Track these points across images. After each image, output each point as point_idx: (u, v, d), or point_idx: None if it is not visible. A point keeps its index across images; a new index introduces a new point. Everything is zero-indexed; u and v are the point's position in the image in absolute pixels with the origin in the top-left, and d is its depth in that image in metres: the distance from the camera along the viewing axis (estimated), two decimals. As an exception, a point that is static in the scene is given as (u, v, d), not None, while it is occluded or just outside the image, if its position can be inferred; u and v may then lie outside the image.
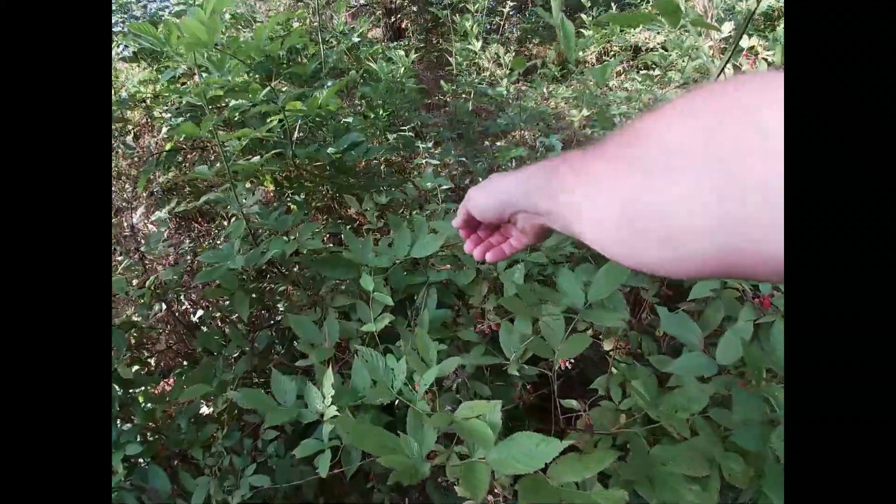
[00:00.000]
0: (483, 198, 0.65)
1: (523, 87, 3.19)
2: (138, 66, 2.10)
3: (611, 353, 1.46)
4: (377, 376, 0.89)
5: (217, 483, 1.34)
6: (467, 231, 0.74)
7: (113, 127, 1.80)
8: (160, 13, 2.62)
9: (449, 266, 1.33)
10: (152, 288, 1.31)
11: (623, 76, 3.89)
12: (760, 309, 1.17)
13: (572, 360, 1.26)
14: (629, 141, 0.42)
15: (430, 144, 2.27)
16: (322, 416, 0.99)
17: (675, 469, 0.99)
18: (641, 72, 3.88)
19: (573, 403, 1.12)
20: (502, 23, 3.74)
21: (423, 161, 1.86)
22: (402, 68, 2.20)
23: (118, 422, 1.37)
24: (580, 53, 3.76)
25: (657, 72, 3.44)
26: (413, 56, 2.39)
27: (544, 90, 3.35)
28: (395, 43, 3.87)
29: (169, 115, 1.73)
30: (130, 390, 1.39)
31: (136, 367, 1.64)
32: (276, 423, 1.03)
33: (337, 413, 0.96)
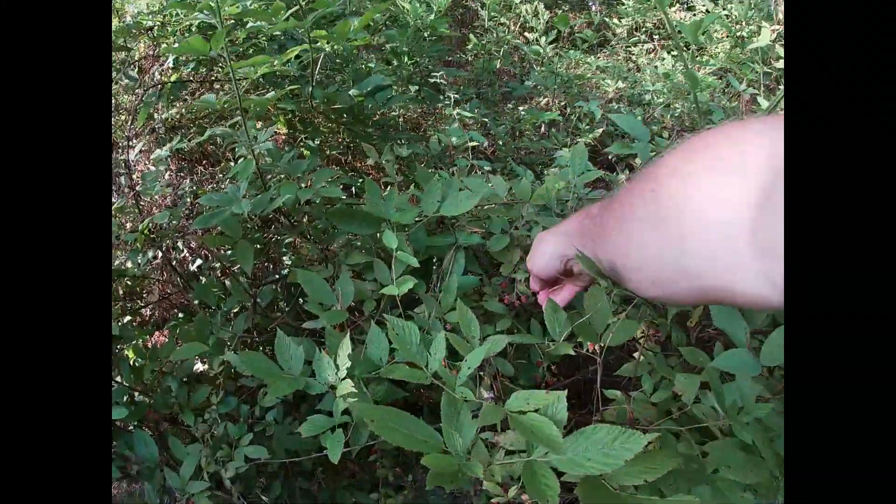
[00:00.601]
0: (539, 262, 0.78)
1: (553, 53, 2.99)
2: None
3: (640, 340, 1.32)
4: (408, 353, 0.74)
5: (209, 452, 1.21)
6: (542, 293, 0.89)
7: (114, 57, 1.62)
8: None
9: (481, 230, 1.17)
10: (146, 232, 1.16)
11: (654, 54, 3.68)
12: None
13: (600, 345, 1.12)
14: (630, 200, 0.54)
15: (456, 96, 2.10)
16: (333, 388, 0.85)
17: (730, 475, 0.86)
18: (672, 53, 3.67)
19: (617, 394, 0.97)
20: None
21: (453, 112, 1.69)
22: (434, 12, 2.00)
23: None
24: (618, 20, 3.54)
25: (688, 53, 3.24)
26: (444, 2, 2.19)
27: (575, 57, 3.15)
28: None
29: (177, 44, 1.56)
30: (118, 346, 1.25)
31: (128, 318, 1.51)
32: (280, 394, 0.89)
33: (353, 388, 0.82)
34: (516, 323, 1.22)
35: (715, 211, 0.41)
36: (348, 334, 0.92)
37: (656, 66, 3.19)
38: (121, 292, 1.34)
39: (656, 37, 3.74)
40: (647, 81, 2.98)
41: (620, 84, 2.84)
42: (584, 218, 0.68)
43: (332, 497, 1.63)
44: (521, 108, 2.71)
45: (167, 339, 1.33)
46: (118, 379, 1.22)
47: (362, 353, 1.04)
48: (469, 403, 0.67)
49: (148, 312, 1.66)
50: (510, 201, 1.24)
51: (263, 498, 1.34)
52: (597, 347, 1.14)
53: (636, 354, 1.20)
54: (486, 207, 1.27)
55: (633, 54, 3.55)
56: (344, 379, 0.85)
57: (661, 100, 2.80)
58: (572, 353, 0.76)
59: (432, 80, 2.30)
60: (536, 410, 0.61)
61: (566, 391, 0.63)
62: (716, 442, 0.88)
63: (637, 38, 3.61)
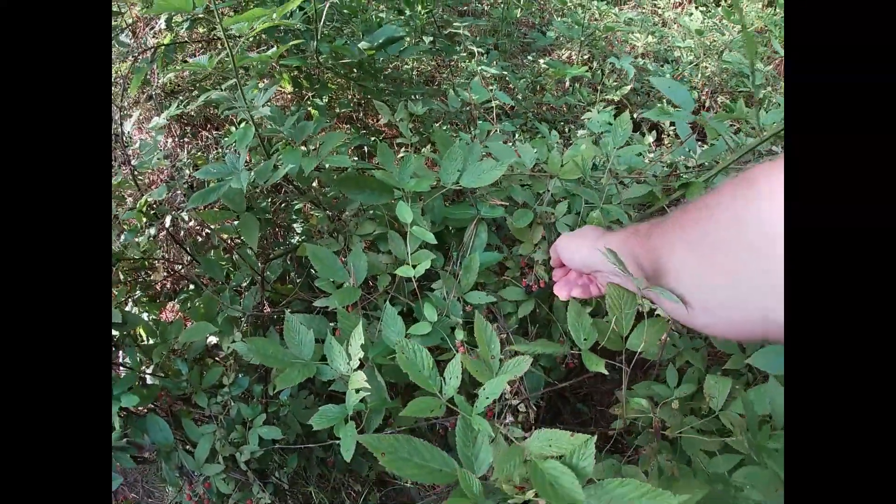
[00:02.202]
0: (571, 252, 0.75)
1: (576, 2, 2.80)
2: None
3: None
4: (421, 380, 0.66)
5: (223, 433, 1.16)
6: (558, 272, 0.84)
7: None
8: None
9: (504, 202, 1.07)
10: (143, 209, 1.08)
11: (681, 8, 3.45)
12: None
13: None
14: (681, 227, 0.55)
15: (477, 49, 1.96)
16: (351, 388, 0.78)
17: (752, 494, 0.78)
18: (700, 7, 3.44)
19: (643, 404, 0.89)
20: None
21: (476, 67, 1.56)
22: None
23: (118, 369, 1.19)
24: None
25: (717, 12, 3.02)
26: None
27: (599, 8, 2.96)
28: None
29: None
30: (124, 332, 1.19)
31: (138, 293, 1.45)
32: (290, 383, 0.82)
33: (366, 383, 0.74)
34: (537, 303, 1.13)
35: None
36: (361, 318, 0.84)
37: (684, 21, 2.99)
38: (121, 277, 1.27)
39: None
40: (675, 37, 2.79)
41: (650, 39, 2.66)
42: (631, 235, 0.64)
43: (347, 465, 1.60)
44: (541, 61, 2.55)
45: (176, 318, 1.27)
46: (127, 363, 1.17)
47: (377, 333, 0.97)
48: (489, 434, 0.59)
49: (158, 286, 1.61)
50: (536, 173, 1.13)
51: (277, 477, 1.30)
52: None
53: (664, 336, 1.11)
54: (509, 177, 1.16)
55: (658, 7, 3.33)
56: (356, 369, 0.77)
57: (690, 57, 2.63)
58: (605, 372, 0.67)
59: (447, 31, 2.16)
60: (560, 458, 0.52)
61: (594, 438, 0.54)
62: (741, 468, 0.80)
63: None
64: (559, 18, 2.80)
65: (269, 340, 0.89)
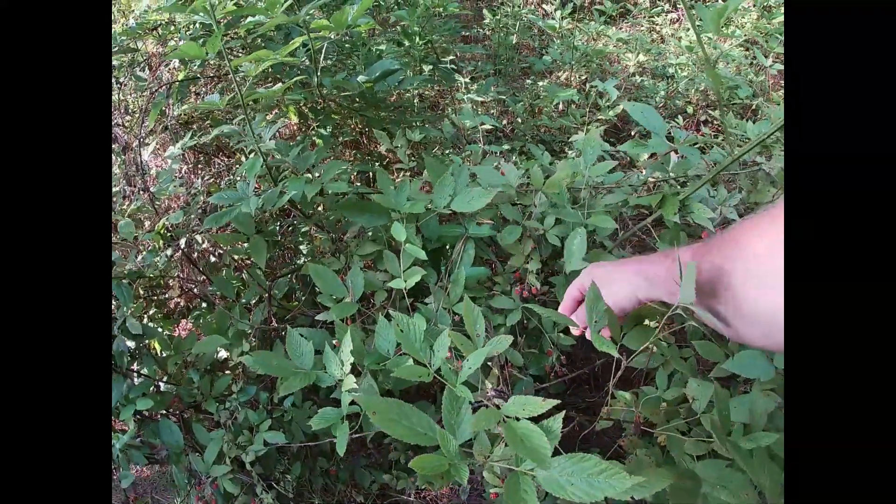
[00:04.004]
0: (615, 283, 0.74)
1: (571, 25, 2.91)
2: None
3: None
4: (412, 350, 0.76)
5: (231, 437, 1.26)
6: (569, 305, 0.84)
7: (122, 58, 1.65)
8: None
9: (490, 221, 1.17)
10: (162, 231, 1.19)
11: (678, 24, 3.56)
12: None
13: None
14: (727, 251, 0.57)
15: (467, 79, 2.07)
16: (343, 389, 0.87)
17: (719, 494, 0.86)
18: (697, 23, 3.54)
19: (626, 396, 0.97)
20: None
21: (464, 97, 1.67)
22: (441, -10, 1.97)
23: (129, 375, 1.29)
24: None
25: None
26: (455, -23, 2.15)
27: (595, 29, 3.07)
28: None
29: (183, 41, 1.57)
30: (141, 343, 1.30)
31: (153, 310, 1.56)
32: (291, 390, 0.92)
33: (355, 385, 0.84)
34: (527, 314, 1.22)
35: None
36: (349, 329, 0.93)
37: (680, 38, 3.10)
38: (141, 292, 1.38)
39: (680, 5, 3.61)
40: (670, 54, 2.90)
41: (642, 57, 2.76)
42: (673, 263, 0.65)
43: (351, 476, 1.69)
44: (540, 84, 2.66)
45: (189, 333, 1.37)
46: (143, 372, 1.27)
47: (372, 344, 1.06)
48: (470, 400, 0.68)
49: (172, 304, 1.71)
50: (523, 190, 1.24)
51: (282, 485, 1.39)
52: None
53: (650, 346, 1.20)
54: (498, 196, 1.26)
55: (656, 24, 3.44)
56: (349, 374, 0.87)
57: (685, 73, 2.72)
58: (615, 354, 0.76)
59: (450, 58, 2.28)
60: (533, 419, 0.61)
61: (563, 412, 0.63)
62: (709, 461, 0.87)
63: (660, 7, 3.50)
64: (557, 41, 2.91)
65: (273, 353, 0.99)
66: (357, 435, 1.00)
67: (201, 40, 1.33)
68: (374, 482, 1.71)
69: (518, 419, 0.63)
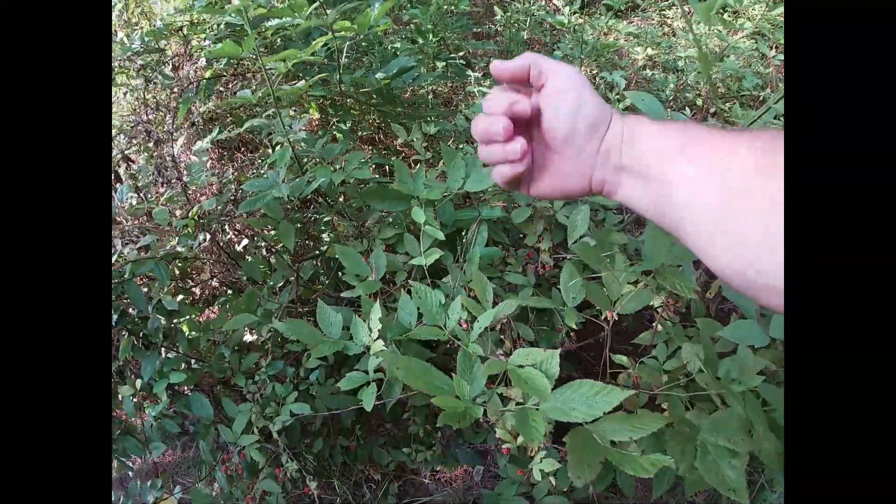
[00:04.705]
0: (574, 85, 0.52)
1: (581, 20, 3.03)
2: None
3: (658, 309, 1.42)
4: (430, 315, 0.88)
5: (258, 409, 1.39)
6: (508, 104, 0.54)
7: (149, 58, 1.79)
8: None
9: (503, 203, 1.29)
10: (196, 217, 1.32)
11: (691, 16, 3.64)
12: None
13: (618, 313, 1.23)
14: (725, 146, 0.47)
15: (479, 75, 2.19)
16: (368, 349, 1.00)
17: (716, 440, 0.97)
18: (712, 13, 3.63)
19: (623, 360, 1.09)
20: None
21: (476, 90, 1.80)
22: (453, -11, 2.10)
23: (163, 351, 1.42)
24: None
25: (725, 16, 3.22)
26: (466, -24, 2.28)
27: (604, 24, 3.18)
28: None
29: (208, 41, 1.71)
30: (174, 320, 1.43)
31: (180, 297, 1.69)
32: (322, 354, 1.05)
33: (383, 347, 0.96)
34: (538, 292, 1.34)
35: None
36: (380, 301, 1.06)
37: (692, 29, 3.18)
38: (176, 272, 1.51)
39: (689, -2, 3.70)
40: (680, 47, 3.00)
41: (651, 51, 2.87)
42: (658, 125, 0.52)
43: (369, 454, 1.82)
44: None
45: (218, 315, 1.50)
46: (177, 347, 1.41)
47: (394, 318, 1.19)
48: (481, 358, 0.80)
49: (198, 292, 1.85)
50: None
51: (305, 455, 1.52)
52: (615, 315, 1.26)
53: (655, 324, 1.32)
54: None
55: (667, 17, 3.54)
56: (376, 340, 0.99)
57: (695, 65, 2.82)
58: (582, 319, 0.87)
59: (462, 54, 2.40)
60: (533, 365, 0.74)
61: (559, 351, 0.75)
62: (715, 413, 0.98)
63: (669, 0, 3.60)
64: (567, 36, 3.02)
65: (304, 322, 1.12)
66: (379, 402, 1.12)
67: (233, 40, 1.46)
68: (392, 461, 1.84)
69: (522, 367, 0.75)
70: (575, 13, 2.80)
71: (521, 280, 1.28)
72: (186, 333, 1.51)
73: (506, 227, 1.39)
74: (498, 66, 0.54)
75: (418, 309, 1.04)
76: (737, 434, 0.96)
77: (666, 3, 3.52)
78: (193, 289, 1.80)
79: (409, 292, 1.24)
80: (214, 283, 1.83)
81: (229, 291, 1.78)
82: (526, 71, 0.53)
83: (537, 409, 0.71)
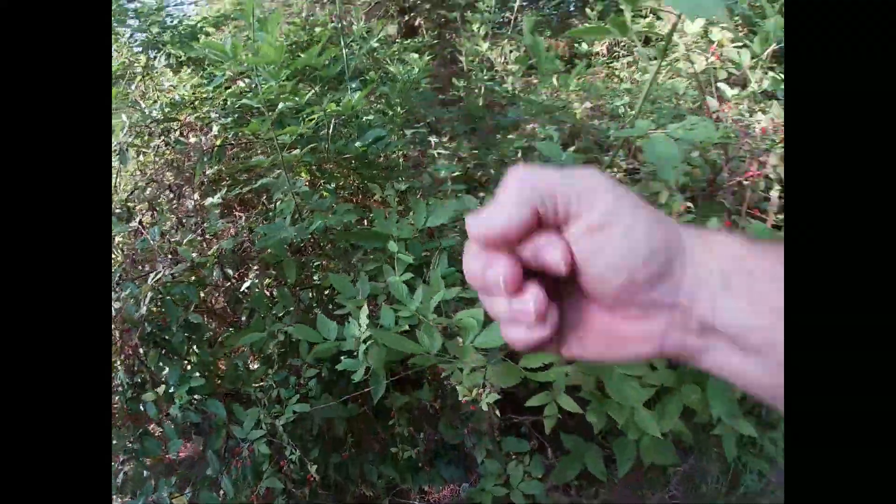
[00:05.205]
0: (619, 217, 0.36)
1: (534, 81, 3.55)
2: (179, 71, 2.52)
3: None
4: (401, 296, 1.29)
5: (265, 411, 1.75)
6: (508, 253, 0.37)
7: (167, 125, 2.22)
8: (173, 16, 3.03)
9: (458, 236, 1.72)
10: (215, 255, 1.73)
11: (634, 67, 4.20)
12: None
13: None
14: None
15: (445, 139, 2.66)
16: (361, 340, 1.40)
17: (622, 370, 1.38)
18: (652, 62, 4.20)
19: None
20: (513, 16, 4.09)
21: (436, 152, 2.26)
22: (416, 69, 2.60)
23: (185, 363, 1.79)
24: (585, 46, 4.10)
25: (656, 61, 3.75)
26: (426, 57, 2.79)
27: (554, 82, 3.69)
28: (409, 41, 4.28)
29: (216, 114, 2.15)
30: (194, 335, 1.81)
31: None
32: (322, 354, 1.44)
33: (371, 334, 1.36)
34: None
35: None
36: (365, 306, 1.47)
37: (636, 78, 3.72)
38: (201, 296, 1.90)
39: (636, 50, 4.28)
40: (618, 95, 3.49)
41: (588, 104, 3.37)
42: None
43: (360, 469, 2.16)
44: (510, 136, 3.25)
45: (229, 335, 1.88)
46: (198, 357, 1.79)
47: (378, 328, 1.59)
48: (437, 326, 1.21)
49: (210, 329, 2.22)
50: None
51: (306, 457, 1.87)
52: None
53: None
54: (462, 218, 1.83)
55: (615, 69, 4.09)
56: (365, 332, 1.39)
57: (633, 111, 3.32)
58: None
59: (420, 126, 2.88)
60: (470, 316, 1.15)
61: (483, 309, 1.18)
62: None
63: (617, 52, 4.16)
64: (523, 96, 3.50)
65: (308, 327, 1.51)
66: (362, 391, 1.51)
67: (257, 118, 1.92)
68: (381, 477, 2.17)
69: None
70: (520, 78, 3.28)
71: (475, 294, 1.70)
72: (199, 353, 1.88)
73: (459, 252, 1.81)
74: (480, 227, 0.37)
75: (395, 314, 1.45)
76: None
77: (606, 58, 4.03)
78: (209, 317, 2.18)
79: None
80: (219, 320, 2.21)
81: (231, 329, 2.16)
82: (529, 217, 0.36)
83: (471, 344, 1.12)
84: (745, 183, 1.58)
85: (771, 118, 1.86)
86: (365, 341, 1.37)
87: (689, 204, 1.60)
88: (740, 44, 2.09)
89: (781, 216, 1.67)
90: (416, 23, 5.47)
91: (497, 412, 1.53)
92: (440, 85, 3.91)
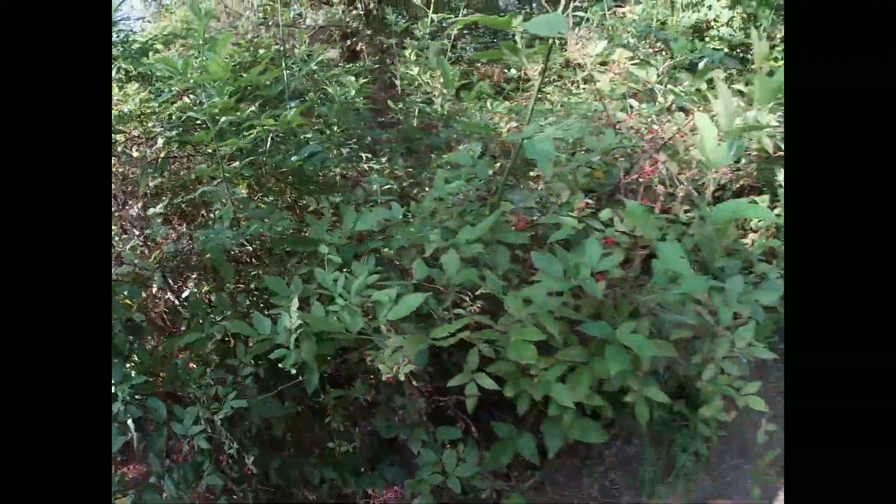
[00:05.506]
0: None
1: (465, 105, 3.79)
2: (127, 87, 2.65)
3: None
4: (328, 284, 1.48)
5: (204, 408, 1.89)
6: None
7: (116, 138, 2.35)
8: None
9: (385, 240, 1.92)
10: (157, 259, 1.87)
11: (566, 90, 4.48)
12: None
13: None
14: None
15: (384, 160, 2.87)
16: (292, 330, 1.57)
17: (520, 335, 1.57)
18: (583, 85, 4.50)
19: None
20: (450, 43, 4.34)
21: (367, 166, 2.47)
22: (353, 91, 2.81)
23: (125, 362, 1.91)
24: (515, 72, 4.37)
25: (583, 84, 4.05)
26: (362, 80, 3.01)
27: (487, 105, 3.94)
28: (351, 65, 4.51)
29: (161, 128, 2.31)
30: (131, 337, 1.93)
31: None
32: (258, 350, 1.60)
33: (300, 321, 1.53)
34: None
35: None
36: (296, 300, 1.64)
37: (564, 101, 4.00)
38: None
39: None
40: (539, 118, 3.76)
41: (513, 124, 3.63)
42: None
43: (301, 472, 2.27)
44: (444, 156, 3.48)
45: (168, 337, 2.01)
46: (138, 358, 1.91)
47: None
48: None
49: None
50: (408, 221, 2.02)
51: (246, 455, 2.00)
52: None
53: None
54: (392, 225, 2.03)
55: (547, 93, 4.38)
56: (296, 322, 1.56)
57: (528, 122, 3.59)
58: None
59: (353, 144, 3.08)
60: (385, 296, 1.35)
61: (396, 289, 1.38)
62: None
63: (549, 78, 4.45)
64: (457, 118, 3.74)
65: (244, 323, 1.68)
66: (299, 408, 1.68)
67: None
68: (324, 481, 2.28)
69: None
70: (449, 101, 3.52)
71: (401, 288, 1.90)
72: (140, 357, 2.00)
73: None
74: None
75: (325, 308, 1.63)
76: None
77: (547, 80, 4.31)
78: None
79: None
80: (157, 330, 2.33)
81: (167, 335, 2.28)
82: None
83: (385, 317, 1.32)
84: (640, 180, 1.84)
85: (675, 126, 2.12)
86: (296, 331, 1.54)
87: (589, 201, 1.84)
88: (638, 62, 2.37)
89: (669, 204, 1.92)
90: (358, 47, 5.70)
91: (416, 385, 1.71)
92: (380, 108, 4.11)
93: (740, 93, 2.99)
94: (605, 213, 1.80)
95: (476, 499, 2.17)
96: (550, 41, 1.37)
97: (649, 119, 2.38)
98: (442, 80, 3.26)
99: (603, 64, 2.77)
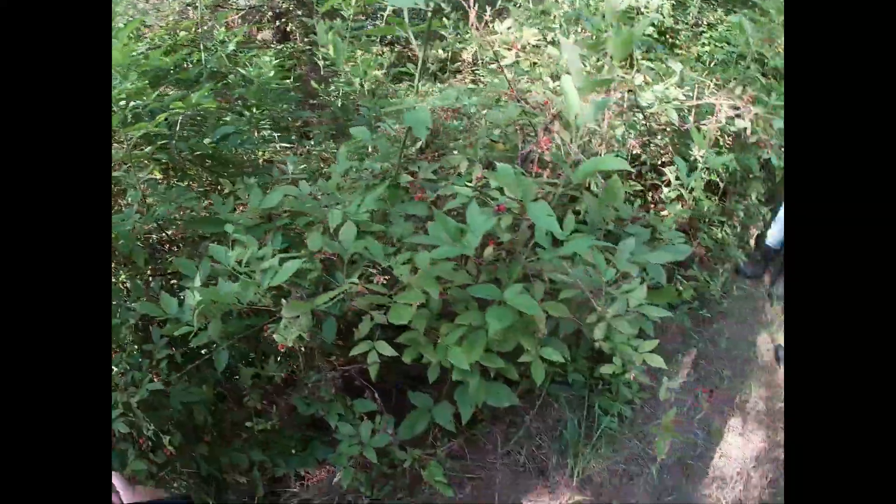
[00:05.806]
0: None
1: (393, 86, 3.84)
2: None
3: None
4: (222, 260, 1.55)
5: (123, 393, 1.93)
6: None
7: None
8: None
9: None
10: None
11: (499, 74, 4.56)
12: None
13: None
14: None
15: (311, 141, 2.91)
16: (195, 304, 1.63)
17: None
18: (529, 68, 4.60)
19: None
20: (375, 24, 4.37)
21: (278, 146, 2.52)
22: (271, 72, 2.84)
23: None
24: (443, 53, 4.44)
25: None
26: (290, 62, 3.05)
27: (420, 87, 4.00)
28: (282, 45, 4.51)
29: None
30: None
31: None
32: (170, 330, 1.66)
33: (200, 298, 1.59)
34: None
35: None
36: (198, 277, 1.70)
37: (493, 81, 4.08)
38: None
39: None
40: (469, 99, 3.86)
41: (438, 103, 3.71)
42: None
43: (229, 458, 2.31)
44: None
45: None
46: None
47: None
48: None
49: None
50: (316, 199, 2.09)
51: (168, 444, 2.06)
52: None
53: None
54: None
55: (480, 77, 4.47)
56: (199, 300, 1.62)
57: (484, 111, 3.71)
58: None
59: (285, 124, 3.12)
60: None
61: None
62: None
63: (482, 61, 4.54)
64: (381, 99, 3.78)
65: (152, 304, 1.73)
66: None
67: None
68: (254, 465, 2.31)
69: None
70: (379, 83, 3.58)
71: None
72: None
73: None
74: None
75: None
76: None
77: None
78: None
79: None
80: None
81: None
82: None
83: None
84: (536, 151, 1.94)
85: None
86: (197, 306, 1.60)
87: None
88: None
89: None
90: (288, 28, 5.67)
91: (327, 358, 1.79)
92: (304, 87, 4.13)
93: (652, 69, 3.16)
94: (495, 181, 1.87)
95: (402, 470, 2.28)
96: (430, 15, 1.45)
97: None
98: (361, 61, 3.32)
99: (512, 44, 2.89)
